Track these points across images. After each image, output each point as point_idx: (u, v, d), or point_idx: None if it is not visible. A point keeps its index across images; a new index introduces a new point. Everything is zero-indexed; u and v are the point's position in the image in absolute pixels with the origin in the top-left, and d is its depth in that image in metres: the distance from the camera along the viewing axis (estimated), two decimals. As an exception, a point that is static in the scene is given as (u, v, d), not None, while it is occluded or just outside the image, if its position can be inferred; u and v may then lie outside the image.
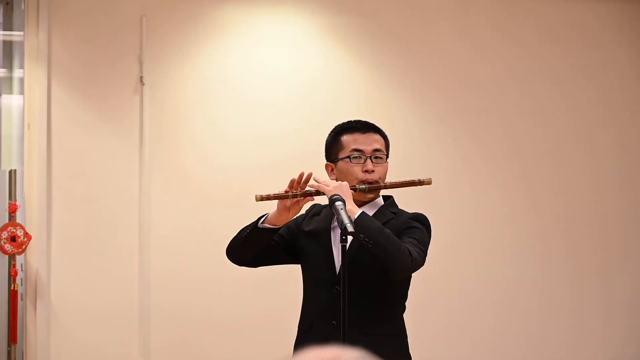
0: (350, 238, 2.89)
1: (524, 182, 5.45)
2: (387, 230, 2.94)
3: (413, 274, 3.09)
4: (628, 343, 5.52)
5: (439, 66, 5.37)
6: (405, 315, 3.15)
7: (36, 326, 4.83)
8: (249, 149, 5.12)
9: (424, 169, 5.09)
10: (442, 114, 5.37)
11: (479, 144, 5.40)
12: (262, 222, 3.06)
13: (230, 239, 3.16)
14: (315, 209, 3.22)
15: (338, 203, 2.88)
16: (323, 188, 2.99)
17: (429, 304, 5.14)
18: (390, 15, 5.35)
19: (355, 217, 2.91)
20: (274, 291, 4.91)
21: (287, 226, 3.16)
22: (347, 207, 2.90)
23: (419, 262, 2.99)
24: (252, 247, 3.10)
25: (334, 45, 5.27)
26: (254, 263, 3.18)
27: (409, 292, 3.17)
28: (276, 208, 3.06)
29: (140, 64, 5.01)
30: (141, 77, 5.00)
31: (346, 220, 2.78)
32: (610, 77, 5.58)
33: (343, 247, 2.83)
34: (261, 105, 5.16)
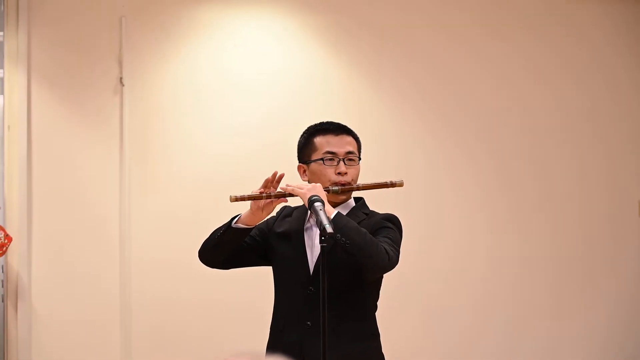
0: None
1: (503, 183, 5.48)
2: (364, 230, 2.96)
3: (384, 274, 3.11)
4: (608, 343, 5.55)
5: (418, 63, 5.40)
6: (377, 314, 3.17)
7: (17, 328, 4.83)
8: (231, 149, 5.13)
9: (398, 168, 5.16)
10: (419, 112, 5.40)
11: (457, 143, 5.43)
12: (236, 222, 3.09)
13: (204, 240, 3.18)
14: (287, 211, 3.26)
15: (317, 204, 2.89)
16: (297, 191, 3.01)
17: (401, 303, 5.18)
18: (370, 12, 5.37)
19: (332, 217, 2.93)
20: (253, 283, 4.92)
21: (259, 228, 3.20)
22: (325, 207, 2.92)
23: (395, 261, 3.01)
24: (225, 248, 3.12)
25: (314, 44, 5.28)
26: (226, 264, 3.20)
27: (381, 291, 3.19)
28: (249, 208, 3.08)
29: (120, 65, 5.01)
30: (121, 78, 5.00)
31: (325, 221, 2.79)
32: (597, 77, 5.62)
33: (323, 247, 2.82)
34: (242, 105, 5.18)
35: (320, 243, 2.81)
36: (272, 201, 3.07)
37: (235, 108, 5.16)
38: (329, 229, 2.75)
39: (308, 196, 2.95)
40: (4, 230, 4.75)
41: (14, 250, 4.81)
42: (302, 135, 3.24)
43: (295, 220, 3.18)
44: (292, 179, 3.14)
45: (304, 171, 3.20)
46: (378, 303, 3.18)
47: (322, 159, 3.14)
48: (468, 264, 5.39)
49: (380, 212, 3.17)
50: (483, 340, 5.38)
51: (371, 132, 5.25)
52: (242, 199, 3.04)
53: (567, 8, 5.60)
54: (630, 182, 5.64)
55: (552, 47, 5.58)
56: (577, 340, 5.48)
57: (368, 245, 2.92)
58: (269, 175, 3.09)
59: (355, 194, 3.20)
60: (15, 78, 4.88)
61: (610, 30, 5.66)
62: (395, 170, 5.13)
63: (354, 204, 3.19)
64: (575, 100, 5.60)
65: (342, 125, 3.22)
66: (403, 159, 5.32)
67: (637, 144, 5.68)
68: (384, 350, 3.16)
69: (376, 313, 3.16)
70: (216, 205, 4.75)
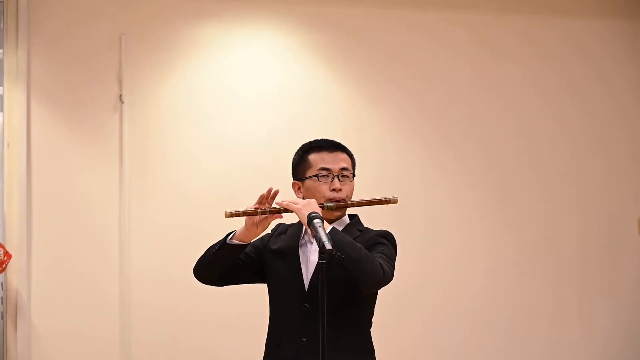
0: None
1: (502, 197, 5.48)
2: (359, 245, 2.97)
3: (379, 290, 3.11)
4: (608, 347, 5.53)
5: (417, 81, 5.42)
6: (372, 331, 3.17)
7: (17, 345, 4.83)
8: (229, 164, 5.14)
9: (396, 184, 5.16)
10: (418, 128, 5.41)
11: (455, 159, 5.44)
12: (231, 239, 3.09)
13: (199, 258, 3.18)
14: (281, 228, 3.26)
15: (316, 221, 2.90)
16: (292, 207, 3.01)
17: (396, 320, 5.17)
18: (369, 29, 5.39)
19: (327, 232, 2.93)
20: (253, 296, 4.91)
21: (253, 245, 3.20)
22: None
23: (390, 276, 3.02)
24: (220, 264, 3.13)
25: (313, 62, 5.30)
26: (220, 281, 3.20)
27: (377, 308, 3.19)
28: (244, 224, 3.08)
29: (120, 82, 5.03)
30: (120, 95, 5.02)
31: (324, 238, 2.79)
32: (599, 91, 5.63)
33: (321, 264, 2.82)
34: (241, 121, 5.19)
35: (319, 260, 2.81)
36: (267, 217, 3.08)
37: (234, 124, 5.17)
38: (328, 246, 2.76)
39: (303, 211, 2.95)
40: (3, 247, 4.75)
41: (14, 268, 4.82)
42: (296, 153, 3.26)
43: (289, 237, 3.19)
44: (287, 196, 3.14)
45: (299, 188, 3.21)
46: (373, 320, 3.18)
47: (316, 176, 3.15)
48: (466, 279, 5.38)
49: (375, 229, 3.17)
50: (480, 358, 5.36)
51: (370, 148, 5.25)
52: (237, 214, 3.05)
53: (567, 22, 5.60)
54: (630, 185, 5.63)
55: (552, 62, 5.59)
56: (577, 347, 5.46)
57: (363, 260, 2.93)
58: (265, 191, 3.10)
59: (349, 210, 3.20)
60: (14, 95, 4.89)
61: (612, 44, 5.65)
62: (393, 186, 5.13)
63: (348, 221, 3.20)
64: (575, 114, 5.59)
65: (336, 142, 3.23)
66: (402, 175, 5.32)
67: (636, 153, 5.67)
68: (379, 368, 3.16)
69: (372, 330, 3.16)
70: (214, 219, 4.73)
